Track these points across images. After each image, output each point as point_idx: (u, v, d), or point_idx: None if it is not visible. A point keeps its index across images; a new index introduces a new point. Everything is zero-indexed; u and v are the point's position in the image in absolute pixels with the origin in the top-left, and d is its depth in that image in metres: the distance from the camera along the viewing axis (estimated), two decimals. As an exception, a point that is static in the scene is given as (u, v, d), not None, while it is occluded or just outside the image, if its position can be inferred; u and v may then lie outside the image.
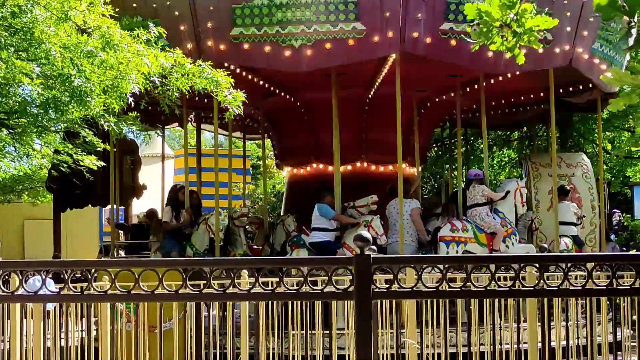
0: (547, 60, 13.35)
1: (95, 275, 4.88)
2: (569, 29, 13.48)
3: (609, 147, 24.71)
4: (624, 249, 21.73)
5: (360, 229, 13.26)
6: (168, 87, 9.53)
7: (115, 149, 14.93)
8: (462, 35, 12.71)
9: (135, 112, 11.72)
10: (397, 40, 12.51)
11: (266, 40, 12.69)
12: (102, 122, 9.85)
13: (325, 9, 12.45)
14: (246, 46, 12.70)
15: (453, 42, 12.79)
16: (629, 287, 4.91)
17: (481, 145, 23.21)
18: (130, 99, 9.25)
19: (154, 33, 9.46)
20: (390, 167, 16.33)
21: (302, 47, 12.60)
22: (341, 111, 14.12)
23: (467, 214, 14.17)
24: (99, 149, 12.30)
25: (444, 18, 12.74)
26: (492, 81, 15.36)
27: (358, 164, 16.47)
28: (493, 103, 17.83)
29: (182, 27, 12.64)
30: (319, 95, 15.37)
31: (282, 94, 16.34)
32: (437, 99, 16.63)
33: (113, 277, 4.76)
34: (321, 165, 16.72)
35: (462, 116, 18.62)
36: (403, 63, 12.88)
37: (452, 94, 16.25)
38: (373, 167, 16.67)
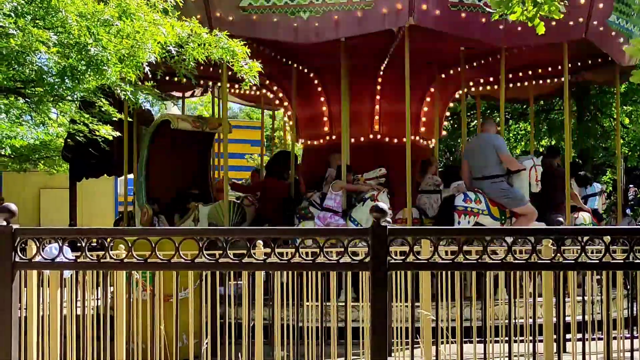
0: (561, 32, 13.10)
1: (112, 243, 4.88)
2: (583, 1, 13.29)
3: (627, 121, 24.56)
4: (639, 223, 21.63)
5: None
6: (184, 57, 9.51)
7: (131, 119, 14.92)
8: (472, 7, 12.59)
9: (152, 82, 11.72)
10: (405, 12, 12.33)
11: (274, 11, 12.64)
12: (119, 92, 9.84)
13: None
14: (254, 17, 12.62)
15: (463, 15, 12.63)
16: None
17: (498, 118, 23.15)
18: (147, 69, 9.24)
19: (171, 2, 9.44)
20: (404, 140, 16.14)
21: (310, 19, 12.54)
22: (353, 81, 13.87)
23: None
24: (114, 118, 12.31)
25: (454, -10, 12.59)
26: (509, 54, 15.08)
27: (371, 136, 16.24)
28: (510, 76, 17.68)
29: None
30: (330, 64, 15.26)
31: (294, 64, 16.08)
32: (451, 72, 16.45)
33: (130, 245, 4.76)
34: (334, 137, 16.33)
35: (480, 88, 18.52)
36: (413, 35, 12.70)
37: (467, 67, 16.06)
38: (387, 139, 16.38)
